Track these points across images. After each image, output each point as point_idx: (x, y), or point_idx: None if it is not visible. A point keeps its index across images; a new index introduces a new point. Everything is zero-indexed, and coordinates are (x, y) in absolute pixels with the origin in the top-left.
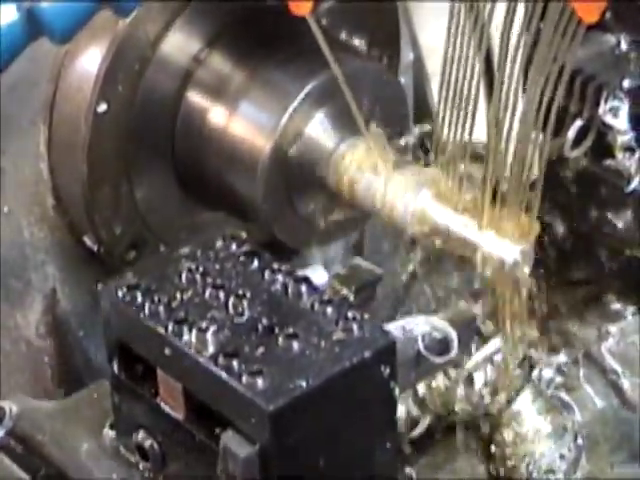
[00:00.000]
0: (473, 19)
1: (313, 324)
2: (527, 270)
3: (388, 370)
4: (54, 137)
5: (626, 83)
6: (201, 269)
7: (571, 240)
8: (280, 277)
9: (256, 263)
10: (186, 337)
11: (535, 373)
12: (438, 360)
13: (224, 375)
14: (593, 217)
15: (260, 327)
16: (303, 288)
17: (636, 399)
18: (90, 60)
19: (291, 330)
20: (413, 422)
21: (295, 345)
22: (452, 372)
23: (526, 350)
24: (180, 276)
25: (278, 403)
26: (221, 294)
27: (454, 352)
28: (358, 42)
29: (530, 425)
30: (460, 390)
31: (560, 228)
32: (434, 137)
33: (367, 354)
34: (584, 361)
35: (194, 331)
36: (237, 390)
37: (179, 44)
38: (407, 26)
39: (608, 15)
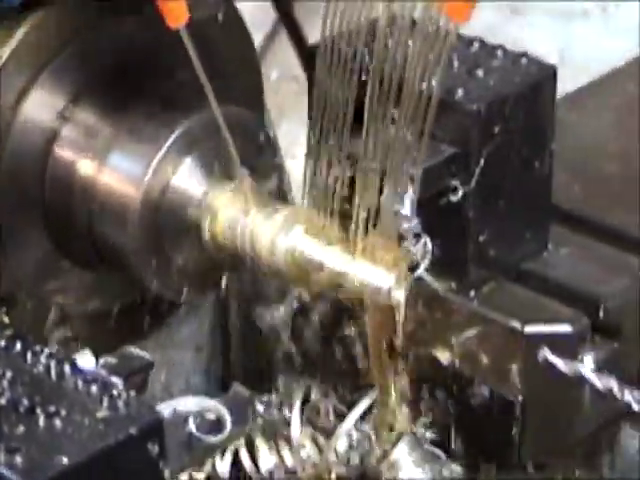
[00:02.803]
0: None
1: (76, 403)
2: (402, 296)
3: (157, 448)
4: None
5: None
6: None
7: None
8: (43, 359)
9: (18, 346)
10: None
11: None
12: (211, 439)
13: None
14: None
15: (21, 408)
16: (67, 368)
17: None
18: None
19: (53, 409)
20: None
21: (57, 423)
22: (322, 440)
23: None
24: None
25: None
26: None
27: (227, 431)
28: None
29: (407, 476)
30: (332, 456)
31: None
32: (305, 173)
33: (133, 430)
34: None
35: None
36: None
37: (42, 102)
38: None
39: None
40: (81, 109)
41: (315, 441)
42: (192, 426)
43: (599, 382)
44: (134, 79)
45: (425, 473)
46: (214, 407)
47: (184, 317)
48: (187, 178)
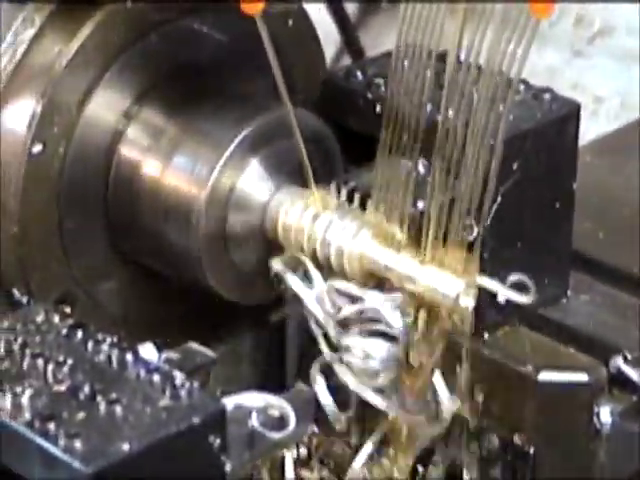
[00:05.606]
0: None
1: (138, 391)
2: (471, 304)
3: (218, 441)
4: None
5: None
6: (20, 340)
7: None
8: (105, 347)
9: (80, 335)
10: (0, 403)
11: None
12: (274, 435)
13: (39, 439)
14: None
15: (81, 395)
16: (129, 357)
17: None
18: (24, 102)
19: (114, 396)
20: None
21: (118, 410)
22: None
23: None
24: None
25: (98, 465)
26: (40, 363)
27: (291, 428)
28: None
29: None
30: None
31: None
32: (374, 177)
33: (195, 420)
34: None
35: (9, 396)
36: (53, 454)
37: (108, 101)
38: None
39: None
40: (146, 109)
41: None
42: (255, 422)
43: None
44: (200, 79)
45: None
46: (278, 403)
47: (243, 331)
48: (253, 180)
